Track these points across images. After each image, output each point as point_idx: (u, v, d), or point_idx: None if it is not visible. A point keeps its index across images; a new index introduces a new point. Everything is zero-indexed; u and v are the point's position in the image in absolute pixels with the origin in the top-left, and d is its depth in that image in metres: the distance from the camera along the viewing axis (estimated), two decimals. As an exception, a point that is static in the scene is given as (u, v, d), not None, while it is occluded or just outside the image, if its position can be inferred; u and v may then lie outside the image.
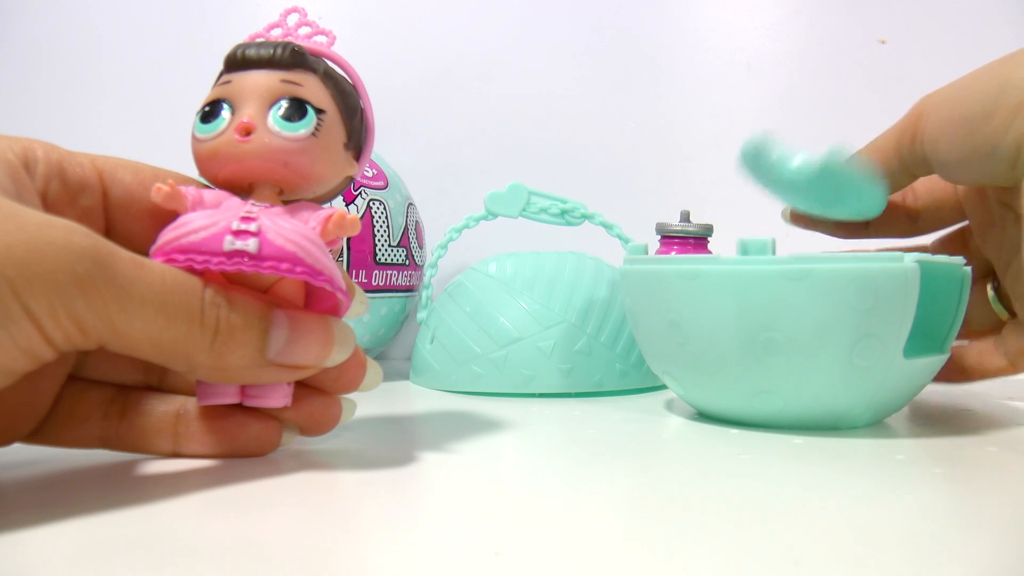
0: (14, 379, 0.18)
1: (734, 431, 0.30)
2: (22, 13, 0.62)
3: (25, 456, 0.24)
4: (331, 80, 0.25)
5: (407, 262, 0.48)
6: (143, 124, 0.61)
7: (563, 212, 0.44)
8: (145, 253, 0.22)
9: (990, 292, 0.34)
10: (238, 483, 0.22)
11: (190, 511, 0.19)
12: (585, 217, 0.45)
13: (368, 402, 0.36)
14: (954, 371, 0.34)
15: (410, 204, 0.50)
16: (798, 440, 0.28)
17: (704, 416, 0.33)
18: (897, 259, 0.27)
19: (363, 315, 0.26)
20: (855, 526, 0.18)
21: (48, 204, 0.22)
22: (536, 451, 0.28)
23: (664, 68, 0.63)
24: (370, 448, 0.27)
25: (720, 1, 0.63)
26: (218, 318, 0.21)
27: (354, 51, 0.70)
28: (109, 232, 0.24)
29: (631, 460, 0.26)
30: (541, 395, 0.39)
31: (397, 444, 0.28)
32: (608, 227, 0.46)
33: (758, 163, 0.35)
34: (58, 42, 0.62)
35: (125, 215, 0.24)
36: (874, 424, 0.31)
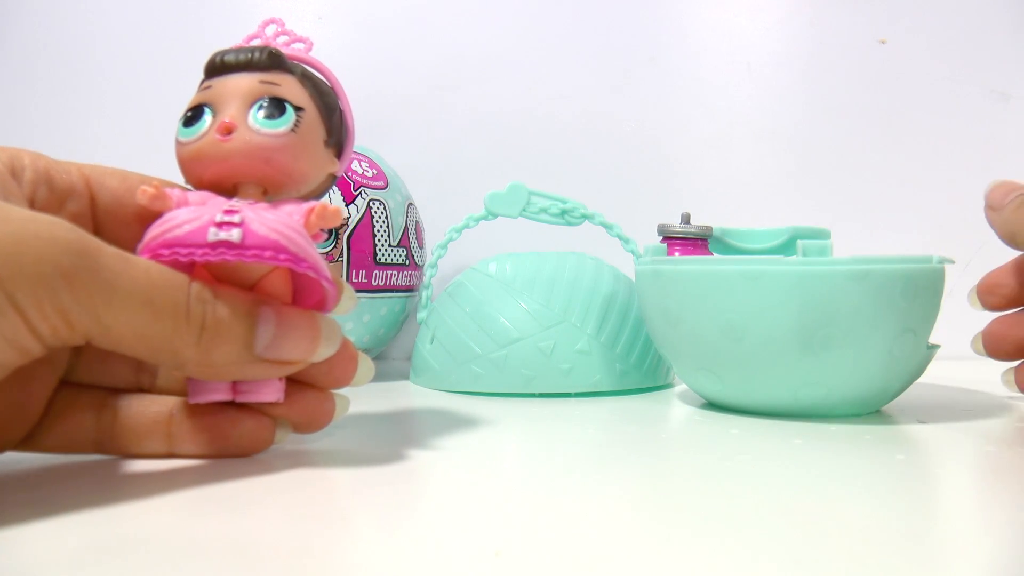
0: (3, 373, 0.18)
1: (735, 431, 0.30)
2: (21, 14, 0.62)
3: (15, 455, 0.24)
4: (309, 81, 0.25)
5: (407, 262, 0.48)
6: (141, 127, 0.61)
7: (563, 212, 0.44)
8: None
9: None
10: (236, 482, 0.22)
11: (184, 511, 0.19)
12: (585, 217, 0.45)
13: (368, 402, 0.36)
14: None
15: (410, 204, 0.50)
16: (798, 440, 0.28)
17: (705, 415, 0.33)
18: (928, 260, 0.30)
19: (352, 310, 0.26)
20: (855, 526, 0.18)
21: (36, 209, 0.22)
22: (536, 451, 0.28)
23: (664, 68, 0.63)
24: (370, 448, 0.27)
25: (720, 1, 0.63)
26: (204, 313, 0.21)
27: (355, 51, 0.70)
28: (97, 237, 0.24)
29: (631, 460, 0.26)
30: (541, 395, 0.39)
31: (397, 444, 0.28)
32: (608, 227, 0.46)
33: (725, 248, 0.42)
34: (56, 45, 0.62)
35: (113, 220, 0.24)
36: (878, 411, 0.31)
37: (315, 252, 0.23)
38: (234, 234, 0.21)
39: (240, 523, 0.18)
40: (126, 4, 0.62)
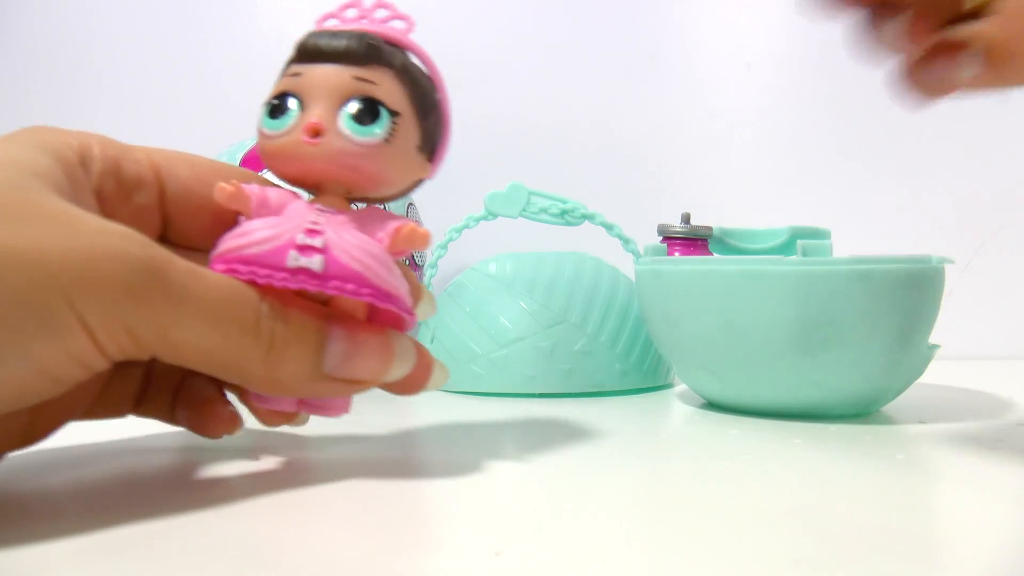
0: (66, 388, 0.18)
1: (734, 431, 0.30)
2: (21, 13, 0.62)
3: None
4: (408, 76, 0.23)
5: (407, 262, 0.48)
6: (140, 127, 0.61)
7: (563, 212, 0.44)
8: (200, 249, 0.22)
9: None
10: (238, 482, 0.22)
11: (193, 513, 0.19)
12: (585, 217, 0.45)
13: (367, 402, 0.36)
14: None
15: (410, 204, 0.50)
16: (798, 440, 0.28)
17: (705, 415, 0.33)
18: (928, 260, 0.31)
19: (431, 316, 0.25)
20: (855, 526, 0.18)
21: (103, 201, 0.21)
22: (536, 451, 0.28)
23: (664, 68, 0.63)
24: (369, 448, 0.27)
25: (720, 1, 0.63)
26: (273, 331, 0.20)
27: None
28: (165, 228, 0.23)
29: (631, 460, 0.26)
30: (541, 395, 0.39)
31: (396, 444, 0.28)
32: (608, 227, 0.46)
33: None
34: (57, 41, 0.62)
35: (181, 212, 0.23)
36: (878, 411, 0.31)
37: (398, 281, 0.21)
38: (315, 261, 0.20)
39: (247, 522, 0.18)
40: (127, 4, 0.62)
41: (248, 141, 0.45)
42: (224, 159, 0.45)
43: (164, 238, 0.24)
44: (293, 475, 0.23)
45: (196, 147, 0.38)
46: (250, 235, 0.20)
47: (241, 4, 0.62)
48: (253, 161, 0.44)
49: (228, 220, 0.22)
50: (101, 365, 0.18)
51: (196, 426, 0.24)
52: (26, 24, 0.62)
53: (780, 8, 0.62)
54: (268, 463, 0.24)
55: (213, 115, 0.62)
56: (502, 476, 0.24)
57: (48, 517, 0.19)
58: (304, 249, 0.20)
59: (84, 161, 0.21)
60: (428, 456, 0.25)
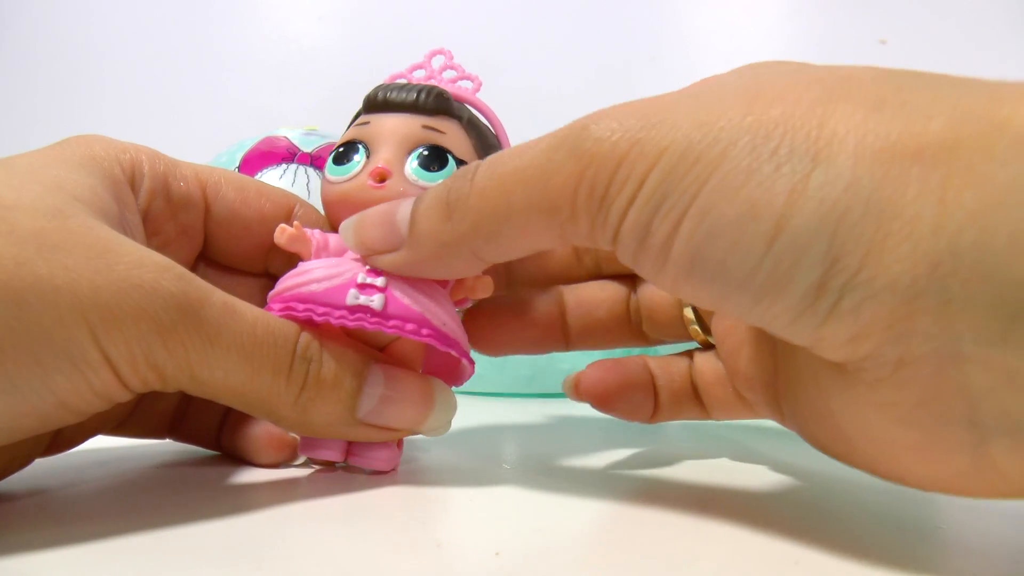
0: (86, 417, 0.18)
1: (735, 430, 0.30)
2: (22, 12, 0.62)
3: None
4: (474, 129, 0.24)
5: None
6: (141, 122, 0.61)
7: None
8: (241, 270, 0.22)
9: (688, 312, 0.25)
10: (234, 483, 0.22)
11: (189, 513, 0.19)
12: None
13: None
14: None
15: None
16: (797, 440, 0.28)
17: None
18: None
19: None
20: (855, 526, 0.18)
21: (148, 219, 0.21)
22: (536, 451, 0.28)
23: (664, 68, 0.63)
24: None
25: (720, 1, 0.63)
26: (307, 372, 0.19)
27: (355, 51, 0.70)
28: (207, 247, 0.23)
29: (631, 460, 0.26)
30: (541, 395, 0.39)
31: (397, 444, 0.28)
32: (608, 227, 0.46)
33: None
34: (58, 40, 0.62)
35: (225, 233, 0.23)
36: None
37: (459, 327, 0.21)
38: (376, 300, 0.20)
39: (235, 523, 0.18)
40: (128, 4, 0.62)
41: (248, 141, 0.45)
42: (224, 158, 0.45)
43: (204, 255, 0.23)
44: (291, 476, 0.23)
45: (197, 146, 0.38)
46: (309, 273, 0.20)
47: (242, 4, 0.62)
48: (253, 161, 0.44)
49: (269, 244, 0.22)
50: (123, 397, 0.18)
51: (247, 452, 0.23)
52: (27, 24, 0.62)
53: (780, 8, 0.62)
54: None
55: (214, 114, 0.62)
56: (502, 476, 0.24)
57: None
58: (365, 287, 0.20)
59: (133, 179, 0.21)
60: (427, 456, 0.25)
